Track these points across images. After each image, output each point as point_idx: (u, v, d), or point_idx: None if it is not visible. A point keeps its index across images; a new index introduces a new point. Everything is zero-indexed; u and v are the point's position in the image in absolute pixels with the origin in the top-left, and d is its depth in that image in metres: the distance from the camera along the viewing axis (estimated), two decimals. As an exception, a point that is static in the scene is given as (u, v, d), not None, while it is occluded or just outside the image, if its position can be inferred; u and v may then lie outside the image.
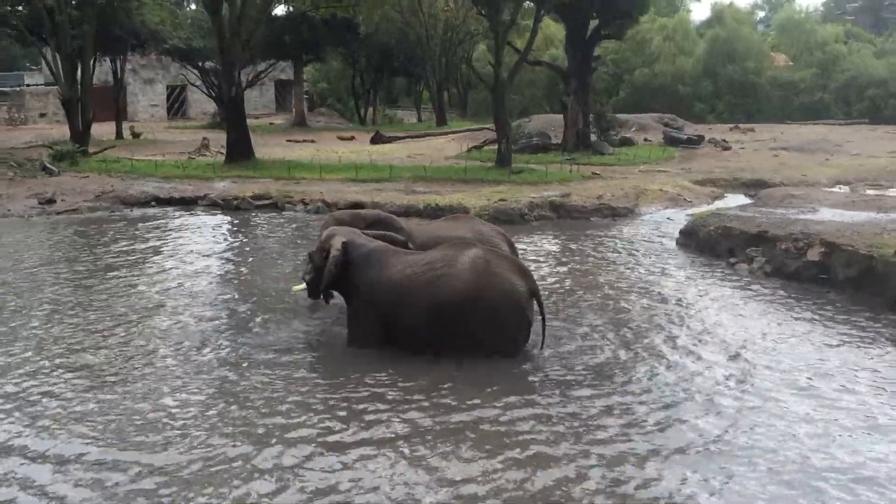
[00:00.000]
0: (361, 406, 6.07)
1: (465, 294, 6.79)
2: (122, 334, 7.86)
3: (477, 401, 6.13)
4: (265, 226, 14.45)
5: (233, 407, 6.15)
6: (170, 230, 13.79)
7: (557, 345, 7.45)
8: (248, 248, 12.36)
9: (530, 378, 6.69)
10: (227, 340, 7.71)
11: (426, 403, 6.11)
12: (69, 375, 6.76)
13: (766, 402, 6.20)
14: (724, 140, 27.38)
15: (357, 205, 14.35)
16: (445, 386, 6.41)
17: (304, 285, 7.92)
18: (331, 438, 5.59)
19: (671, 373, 6.80)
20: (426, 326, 6.90)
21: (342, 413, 5.97)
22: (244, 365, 7.03)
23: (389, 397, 6.23)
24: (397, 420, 5.84)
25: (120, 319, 8.33)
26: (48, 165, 19.95)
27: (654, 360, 7.10)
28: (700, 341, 7.63)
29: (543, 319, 7.16)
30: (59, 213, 15.30)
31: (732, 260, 10.89)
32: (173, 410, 6.10)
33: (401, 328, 7.06)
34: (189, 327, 8.12)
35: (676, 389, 6.43)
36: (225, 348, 7.49)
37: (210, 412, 6.07)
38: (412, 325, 6.96)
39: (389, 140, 30.47)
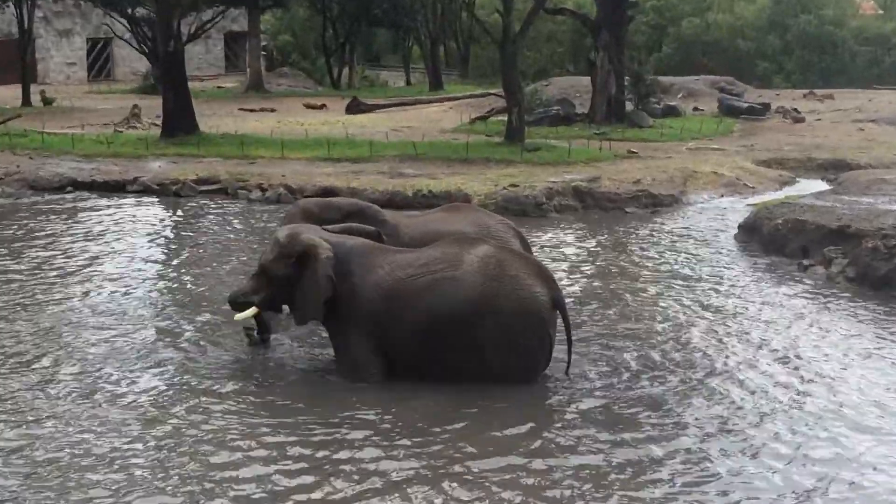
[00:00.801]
0: (317, 477, 5.69)
1: (471, 302, 6.83)
2: (8, 360, 7.66)
3: (483, 464, 5.86)
4: (211, 218, 14.48)
5: (133, 465, 5.69)
6: (90, 223, 13.79)
7: (587, 370, 7.47)
8: (187, 247, 12.38)
9: (553, 415, 6.66)
10: (147, 366, 7.53)
11: (411, 458, 5.89)
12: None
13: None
14: (795, 109, 27.45)
15: (329, 191, 14.37)
16: (436, 428, 6.30)
17: (253, 310, 7.52)
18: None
19: (739, 421, 6.51)
20: (421, 343, 6.94)
21: (298, 478, 5.63)
22: (166, 399, 6.82)
23: (360, 452, 5.97)
24: (367, 488, 5.50)
25: (8, 340, 8.18)
26: (-65, 140, 19.96)
27: (710, 399, 6.91)
28: (772, 375, 7.42)
29: (569, 336, 7.21)
30: (-51, 201, 15.32)
31: (806, 262, 10.94)
32: (47, 466, 5.68)
33: (390, 346, 7.09)
34: (98, 348, 7.96)
35: (751, 446, 6.14)
36: (141, 375, 7.28)
37: (113, 462, 5.72)
38: (404, 341, 7.00)
39: (370, 109, 30.48)
